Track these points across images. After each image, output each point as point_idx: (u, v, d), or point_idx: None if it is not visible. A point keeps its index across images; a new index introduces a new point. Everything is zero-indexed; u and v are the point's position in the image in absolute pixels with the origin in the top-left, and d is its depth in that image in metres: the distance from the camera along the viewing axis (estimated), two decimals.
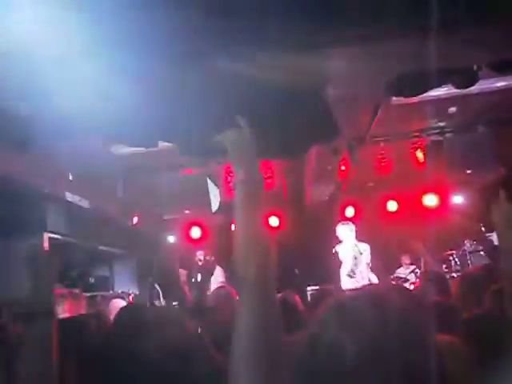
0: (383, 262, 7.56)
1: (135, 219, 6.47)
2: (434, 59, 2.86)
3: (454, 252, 7.49)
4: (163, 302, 7.90)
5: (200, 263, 7.11)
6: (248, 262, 0.98)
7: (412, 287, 5.97)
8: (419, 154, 6.22)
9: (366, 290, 0.83)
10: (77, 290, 4.49)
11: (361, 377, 0.64)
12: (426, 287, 3.04)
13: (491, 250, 6.61)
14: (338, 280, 6.12)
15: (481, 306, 2.38)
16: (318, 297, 3.28)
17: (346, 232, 6.70)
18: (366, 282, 6.33)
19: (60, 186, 5.14)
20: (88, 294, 6.05)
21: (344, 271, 6.45)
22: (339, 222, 6.96)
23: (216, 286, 6.31)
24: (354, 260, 6.48)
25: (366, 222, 7.28)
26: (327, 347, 0.68)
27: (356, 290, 0.86)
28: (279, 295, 2.70)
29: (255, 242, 1.01)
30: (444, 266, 7.36)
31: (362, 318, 0.67)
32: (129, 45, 1.84)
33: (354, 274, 6.37)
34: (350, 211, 7.51)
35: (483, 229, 7.17)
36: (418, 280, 6.71)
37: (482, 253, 7.15)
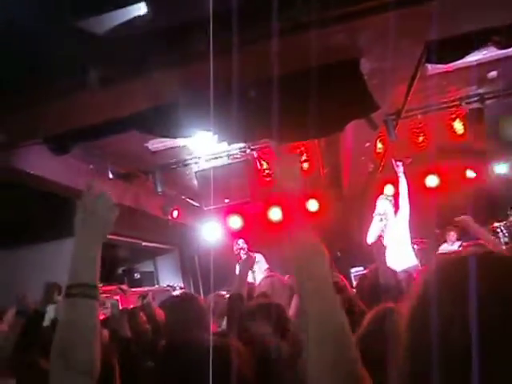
0: (427, 239, 7.39)
1: (175, 213, 6.54)
2: (473, 18, 2.73)
3: (501, 223, 7.22)
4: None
5: (240, 252, 7.15)
6: (306, 273, 0.98)
7: None
8: (458, 125, 6.02)
9: (470, 252, 0.77)
10: (125, 286, 4.58)
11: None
12: None
13: None
14: (384, 259, 6.01)
15: None
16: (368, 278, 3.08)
17: (386, 206, 6.54)
18: (414, 260, 6.22)
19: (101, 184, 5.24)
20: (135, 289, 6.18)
21: (391, 249, 6.32)
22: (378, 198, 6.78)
23: (262, 274, 6.34)
24: (397, 237, 6.38)
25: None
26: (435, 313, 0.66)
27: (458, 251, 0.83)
28: None
29: (311, 253, 1.02)
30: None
31: (469, 283, 0.65)
32: None
33: (400, 249, 6.27)
34: (389, 189, 7.35)
35: None
36: None
37: None
